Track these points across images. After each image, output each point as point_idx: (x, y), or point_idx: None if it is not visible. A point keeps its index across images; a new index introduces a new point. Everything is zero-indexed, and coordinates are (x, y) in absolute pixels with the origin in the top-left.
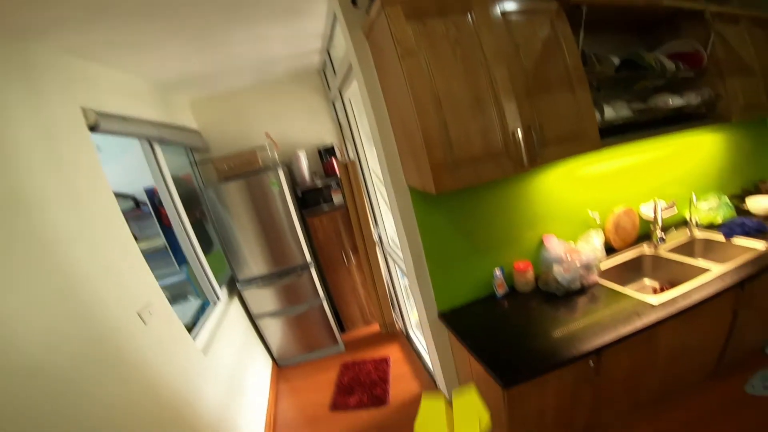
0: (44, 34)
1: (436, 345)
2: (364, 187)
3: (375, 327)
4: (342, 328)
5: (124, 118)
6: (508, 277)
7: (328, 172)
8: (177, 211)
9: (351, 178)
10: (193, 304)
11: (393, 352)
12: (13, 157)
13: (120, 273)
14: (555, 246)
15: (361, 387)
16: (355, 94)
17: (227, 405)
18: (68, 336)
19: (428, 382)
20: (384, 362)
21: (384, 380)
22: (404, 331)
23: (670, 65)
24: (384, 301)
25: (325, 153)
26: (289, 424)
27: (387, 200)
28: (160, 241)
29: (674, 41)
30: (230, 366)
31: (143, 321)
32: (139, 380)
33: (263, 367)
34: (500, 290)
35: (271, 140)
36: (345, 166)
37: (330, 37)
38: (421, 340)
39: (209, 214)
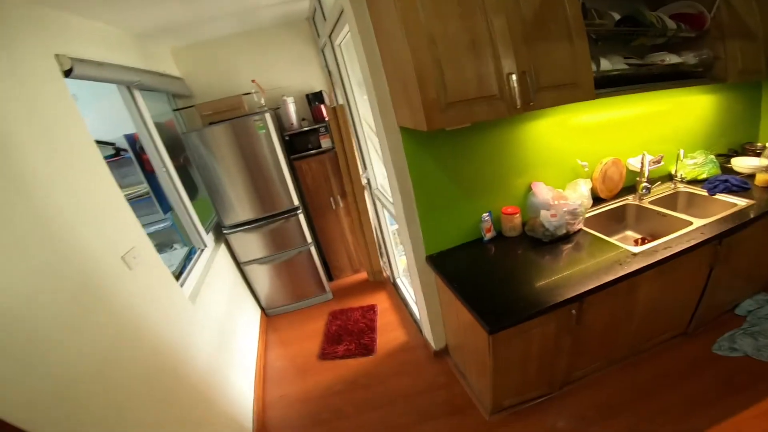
0: None
1: (423, 290)
2: (353, 131)
3: (363, 275)
4: (330, 277)
5: (100, 64)
6: (496, 222)
7: (317, 117)
8: (160, 157)
9: (339, 122)
10: (179, 252)
11: (380, 301)
12: None
13: (103, 218)
14: (543, 192)
15: (349, 335)
16: (346, 41)
17: (218, 355)
18: (49, 283)
19: (414, 331)
20: (371, 310)
21: (371, 329)
22: (391, 278)
23: (671, 24)
24: (372, 248)
25: (314, 99)
26: (279, 374)
27: (377, 144)
28: (143, 188)
29: (678, 2)
30: (219, 315)
31: (128, 266)
32: (124, 326)
33: (252, 316)
34: (488, 234)
35: (258, 87)
36: (333, 110)
37: None
38: (408, 288)
39: (194, 160)
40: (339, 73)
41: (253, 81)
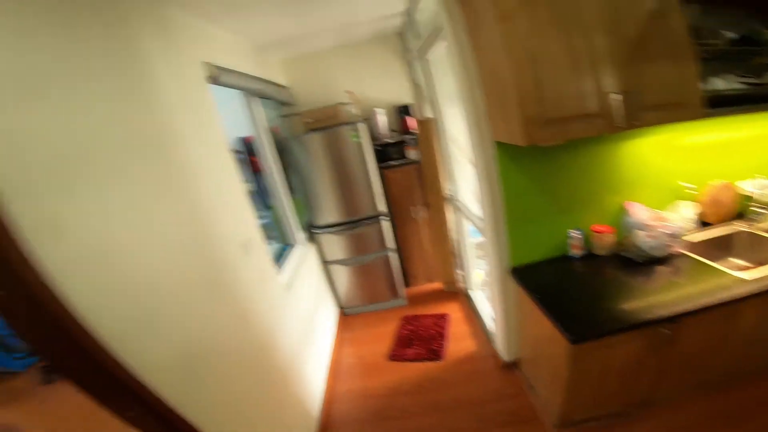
0: None
1: (502, 301)
2: (440, 143)
3: (437, 284)
4: (406, 283)
5: (236, 73)
6: (585, 239)
7: (404, 129)
8: (270, 159)
9: (427, 134)
10: (274, 246)
11: (452, 310)
12: (161, 98)
13: (231, 208)
14: (639, 212)
15: (420, 340)
16: (439, 55)
17: (302, 342)
18: (187, 255)
19: (484, 342)
20: (443, 318)
21: (442, 336)
22: (465, 290)
23: None
24: (449, 259)
25: (402, 111)
26: (348, 370)
27: (466, 156)
28: (250, 186)
29: None
30: (306, 305)
31: (245, 252)
32: (237, 303)
33: (331, 312)
34: (576, 251)
35: (353, 97)
36: (422, 123)
37: (415, 1)
38: (482, 301)
39: (293, 163)
40: (428, 87)
41: (348, 92)
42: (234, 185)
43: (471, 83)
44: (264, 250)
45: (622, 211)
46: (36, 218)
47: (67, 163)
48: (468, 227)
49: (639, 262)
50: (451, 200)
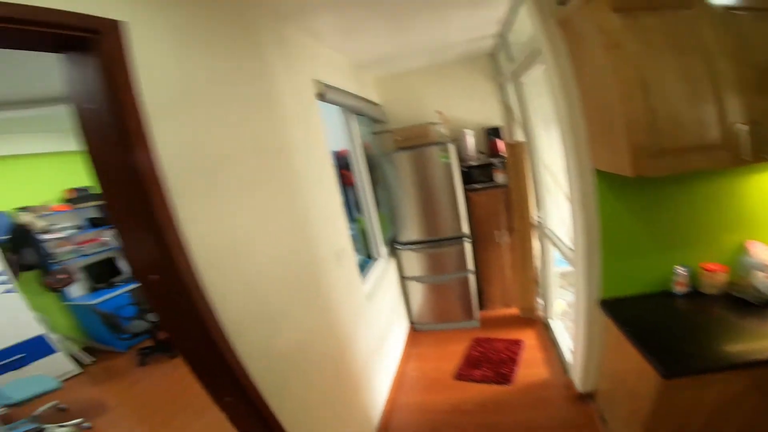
0: (293, 17)
1: (586, 331)
2: (530, 168)
3: (513, 310)
4: (481, 306)
5: (339, 90)
6: (692, 277)
7: (493, 151)
8: (361, 174)
9: (517, 158)
10: (357, 258)
11: (528, 337)
12: (282, 112)
13: (329, 217)
14: (761, 252)
15: (489, 363)
16: (535, 78)
17: (374, 352)
18: (291, 257)
19: (558, 371)
20: (516, 344)
21: (513, 361)
22: (544, 318)
23: None
24: (530, 286)
25: (491, 133)
26: (412, 383)
27: (560, 183)
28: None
29: None
30: (383, 317)
31: (337, 261)
32: (326, 307)
33: (402, 326)
34: (679, 288)
35: (442, 117)
36: (512, 146)
37: (509, 23)
38: (560, 330)
39: (381, 179)
40: (521, 110)
41: (438, 112)
42: (333, 197)
43: (571, 108)
44: (353, 261)
45: (740, 250)
46: (190, 212)
47: (214, 165)
48: (554, 256)
49: (754, 303)
50: (539, 227)
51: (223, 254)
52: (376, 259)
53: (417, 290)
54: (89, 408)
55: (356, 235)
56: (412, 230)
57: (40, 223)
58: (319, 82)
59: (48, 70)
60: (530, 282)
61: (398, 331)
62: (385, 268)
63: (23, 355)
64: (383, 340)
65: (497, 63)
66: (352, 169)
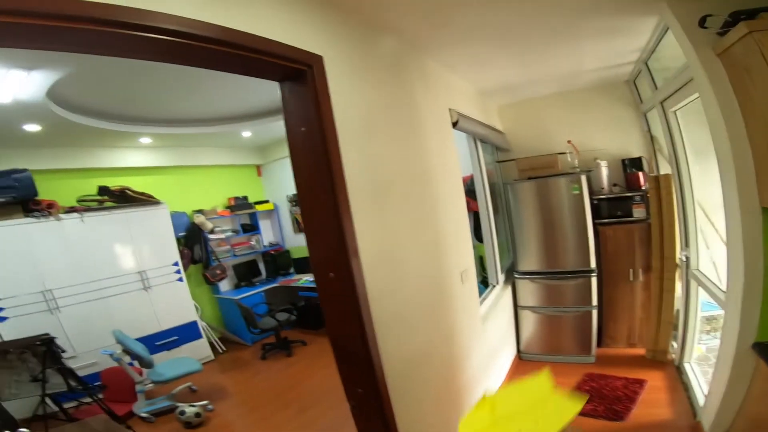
0: (430, 50)
1: (732, 374)
2: (678, 203)
3: (638, 351)
4: (599, 342)
5: (470, 118)
6: None
7: (631, 184)
8: (485, 200)
9: (661, 193)
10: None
11: (652, 378)
12: (425, 141)
13: (457, 239)
14: None
15: (601, 398)
16: (686, 108)
17: (480, 371)
18: (428, 271)
19: (685, 414)
20: (638, 383)
21: (630, 399)
22: (677, 361)
23: None
24: (665, 327)
25: (630, 165)
26: None
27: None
28: None
29: None
30: (492, 341)
31: (462, 280)
32: (447, 323)
33: (508, 353)
34: None
35: (573, 147)
36: (656, 179)
37: (651, 51)
38: (695, 374)
39: (502, 207)
40: (668, 141)
41: (568, 142)
42: (461, 219)
43: (734, 141)
44: (474, 282)
45: None
46: (362, 222)
47: (380, 184)
48: (700, 299)
49: None
50: (684, 267)
51: (381, 261)
52: (493, 286)
53: (530, 320)
54: (214, 392)
55: (475, 261)
56: (531, 260)
57: (209, 225)
58: (453, 111)
59: (225, 96)
60: (666, 323)
61: (504, 357)
62: (499, 295)
63: (177, 337)
64: (489, 363)
65: (637, 90)
66: (475, 195)
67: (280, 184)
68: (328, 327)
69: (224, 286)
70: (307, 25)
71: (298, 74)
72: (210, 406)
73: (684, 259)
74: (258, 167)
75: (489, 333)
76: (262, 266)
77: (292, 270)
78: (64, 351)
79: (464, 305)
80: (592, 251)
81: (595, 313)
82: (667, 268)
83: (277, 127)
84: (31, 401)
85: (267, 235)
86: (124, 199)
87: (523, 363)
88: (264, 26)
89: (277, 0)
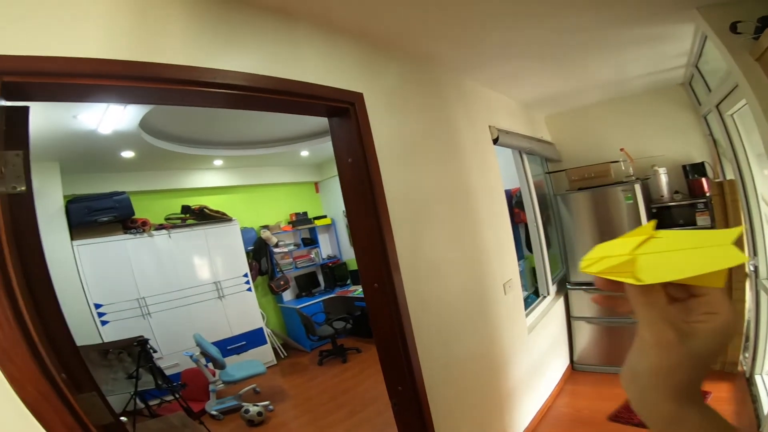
0: (468, 70)
1: None
2: (744, 210)
3: None
4: None
5: (512, 133)
6: None
7: (694, 191)
8: (534, 212)
9: (727, 199)
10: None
11: (718, 390)
12: (464, 160)
13: (500, 250)
14: None
15: None
16: (741, 111)
17: (526, 381)
18: (469, 283)
19: (749, 426)
20: (702, 395)
21: None
22: (747, 373)
23: None
24: (738, 339)
25: (692, 170)
26: (558, 418)
27: None
28: None
29: None
30: (540, 351)
31: (504, 291)
32: (488, 332)
33: (561, 363)
34: None
35: (627, 155)
36: (720, 186)
37: (698, 55)
38: (765, 386)
39: (553, 218)
40: (728, 145)
41: (621, 150)
42: (504, 233)
43: None
44: (519, 293)
45: None
46: (403, 239)
47: (419, 204)
48: None
49: None
50: (753, 277)
51: (421, 274)
52: (544, 296)
53: (585, 330)
54: (275, 393)
55: (523, 272)
56: None
57: (274, 239)
58: (493, 128)
59: (286, 119)
60: (738, 335)
61: (555, 367)
62: (550, 306)
63: (245, 342)
64: (536, 372)
65: (694, 93)
66: (524, 207)
67: (337, 199)
68: (374, 331)
69: (287, 296)
70: (348, 65)
71: (342, 111)
72: (271, 407)
73: (752, 268)
74: (315, 184)
75: (536, 343)
76: (320, 278)
77: (348, 281)
78: (155, 351)
79: (508, 315)
80: None
81: None
82: (735, 278)
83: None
84: (122, 398)
85: (325, 248)
86: (202, 216)
87: (577, 374)
88: (311, 73)
89: (321, 48)
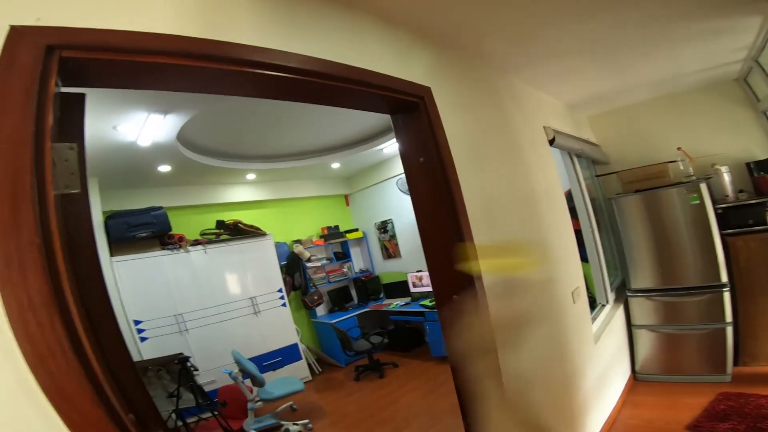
0: (519, 71)
1: None
2: None
3: None
4: (735, 361)
5: (566, 134)
6: None
7: (760, 189)
8: (587, 217)
9: None
10: None
11: None
12: (526, 161)
13: (566, 257)
14: None
15: (742, 417)
16: None
17: (594, 393)
18: (541, 293)
19: None
20: None
21: None
22: None
23: None
24: None
25: (756, 168)
26: (630, 429)
27: None
28: None
29: None
30: (604, 361)
31: (573, 300)
32: (558, 340)
33: (622, 374)
34: None
35: (685, 154)
36: None
37: (761, 48)
38: None
39: (605, 223)
40: None
41: (678, 149)
42: (569, 238)
43: None
44: (585, 301)
45: None
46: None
47: (492, 206)
48: None
49: None
50: None
51: (498, 282)
52: (603, 305)
53: (647, 339)
54: (312, 411)
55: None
56: (645, 277)
57: (306, 254)
58: (549, 129)
59: (316, 130)
60: None
61: (618, 378)
62: (610, 314)
63: (281, 358)
64: (602, 384)
65: (750, 88)
66: (577, 212)
67: (368, 212)
68: (449, 350)
69: (320, 310)
70: (413, 58)
71: (409, 106)
72: (310, 425)
73: None
74: (346, 197)
75: (601, 353)
76: (353, 292)
77: (382, 295)
78: (196, 369)
79: (577, 324)
80: (722, 264)
81: (729, 330)
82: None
83: (362, 157)
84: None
85: (357, 262)
86: (237, 231)
87: (639, 384)
88: (372, 61)
89: (383, 36)
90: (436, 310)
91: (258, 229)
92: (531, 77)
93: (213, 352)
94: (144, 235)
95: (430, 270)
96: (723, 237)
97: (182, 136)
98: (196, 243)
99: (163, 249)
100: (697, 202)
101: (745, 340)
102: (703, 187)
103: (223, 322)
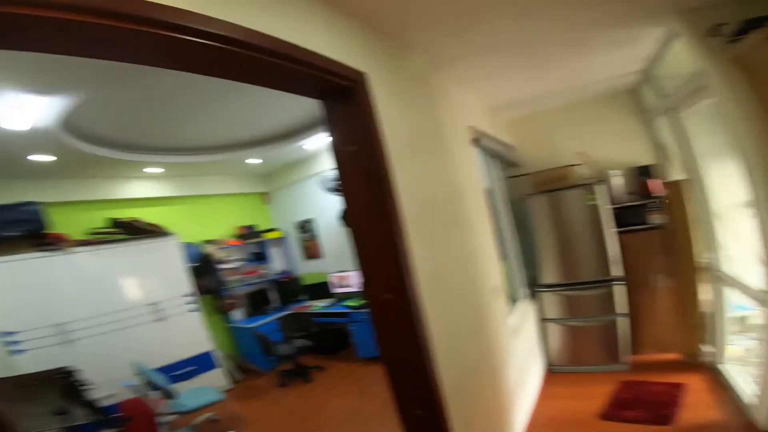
0: (452, 67)
1: None
2: (695, 207)
3: (671, 356)
4: (634, 350)
5: (488, 135)
6: None
7: (645, 191)
8: (503, 216)
9: (677, 197)
10: None
11: (691, 382)
12: (455, 159)
13: (486, 256)
14: None
15: (643, 404)
16: (698, 112)
17: (517, 384)
18: (468, 287)
19: (735, 413)
20: (677, 387)
21: (673, 403)
22: (712, 363)
23: None
24: (696, 331)
25: (642, 173)
26: (546, 420)
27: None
28: None
29: None
30: (522, 354)
31: (492, 296)
32: (484, 339)
33: (539, 366)
34: None
35: (584, 158)
36: (671, 185)
37: (656, 59)
38: (737, 373)
39: (515, 223)
40: (680, 147)
41: (578, 153)
42: (488, 236)
43: (760, 140)
44: (503, 298)
45: None
46: (414, 240)
47: (426, 203)
48: (728, 300)
49: None
50: (709, 270)
51: (432, 279)
52: (518, 300)
53: (556, 332)
54: (235, 421)
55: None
56: (551, 273)
57: (219, 255)
58: (473, 128)
59: (235, 122)
60: (696, 327)
61: (535, 370)
62: (525, 309)
63: (194, 367)
64: (522, 377)
65: (641, 99)
66: (493, 212)
67: (288, 211)
68: (382, 350)
69: (236, 315)
70: (348, 42)
71: (342, 90)
72: None
73: (708, 261)
74: (264, 195)
75: (519, 347)
76: (273, 294)
77: (304, 297)
78: (87, 384)
79: (497, 320)
80: (614, 260)
81: (622, 321)
82: (690, 271)
83: (284, 153)
84: None
85: (277, 263)
86: (133, 230)
87: (555, 375)
88: (304, 38)
89: (318, 14)
90: (361, 311)
91: (159, 228)
92: (461, 74)
93: (111, 364)
94: (12, 234)
95: (361, 267)
96: (619, 235)
97: (72, 123)
98: (84, 243)
99: (37, 250)
100: (594, 202)
101: (635, 330)
102: (599, 189)
103: (120, 330)
